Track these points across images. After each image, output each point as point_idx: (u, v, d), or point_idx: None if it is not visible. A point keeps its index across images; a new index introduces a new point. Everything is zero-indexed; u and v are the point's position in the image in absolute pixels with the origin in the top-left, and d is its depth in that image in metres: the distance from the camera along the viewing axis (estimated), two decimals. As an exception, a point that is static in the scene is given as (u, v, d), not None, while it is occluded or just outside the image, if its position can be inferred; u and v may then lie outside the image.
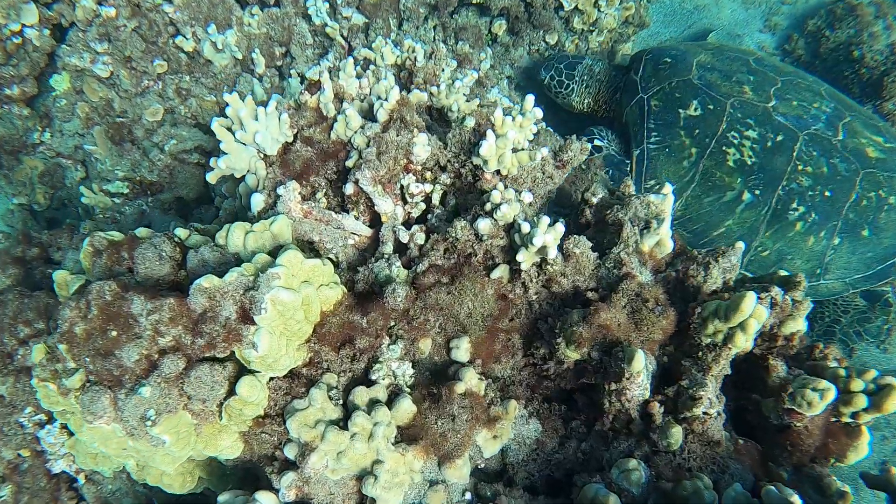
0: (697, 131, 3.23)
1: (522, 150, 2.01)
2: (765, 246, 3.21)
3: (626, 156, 3.58)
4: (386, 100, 2.01)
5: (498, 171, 2.04)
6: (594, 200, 2.31)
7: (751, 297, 1.65)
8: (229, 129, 2.17)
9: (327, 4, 3.42)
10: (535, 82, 4.06)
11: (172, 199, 3.17)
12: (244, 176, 2.23)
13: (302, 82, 3.32)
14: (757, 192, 3.12)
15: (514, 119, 1.98)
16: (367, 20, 3.68)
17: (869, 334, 3.50)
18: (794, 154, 3.10)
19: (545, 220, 1.79)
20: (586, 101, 3.91)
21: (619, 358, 1.69)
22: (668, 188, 1.96)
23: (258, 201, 2.08)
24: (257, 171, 2.19)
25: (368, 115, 2.25)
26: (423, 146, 1.99)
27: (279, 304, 1.59)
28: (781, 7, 4.85)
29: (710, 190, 3.21)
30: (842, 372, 1.85)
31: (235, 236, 1.82)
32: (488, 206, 1.86)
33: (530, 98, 2.05)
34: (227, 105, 2.14)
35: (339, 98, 2.24)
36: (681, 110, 3.30)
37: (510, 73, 4.27)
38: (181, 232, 1.95)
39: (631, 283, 1.81)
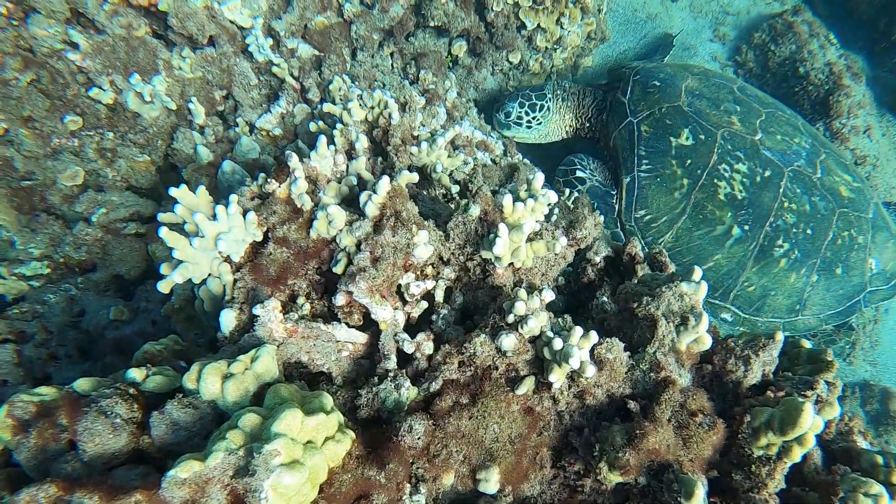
0: (689, 162, 3.13)
1: (538, 238, 1.77)
2: (751, 281, 3.16)
3: (611, 184, 3.44)
4: (374, 191, 1.69)
5: (511, 263, 1.79)
6: (597, 259, 2.13)
7: (808, 410, 1.50)
8: (181, 228, 1.79)
9: (270, 40, 3.00)
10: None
11: (109, 278, 2.69)
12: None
13: (251, 132, 2.90)
14: (746, 227, 3.07)
15: (525, 204, 1.73)
16: (316, 52, 3.29)
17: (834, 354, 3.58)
18: (781, 191, 3.06)
19: (577, 331, 1.56)
20: (567, 117, 3.71)
21: (674, 490, 1.51)
22: (698, 273, 1.78)
23: (229, 320, 1.72)
24: (221, 275, 1.82)
25: (348, 197, 1.93)
26: (424, 246, 1.70)
27: (282, 488, 1.28)
28: (727, 18, 4.85)
29: (701, 223, 3.13)
30: (879, 459, 1.78)
31: (209, 383, 1.47)
32: (511, 318, 1.61)
33: (540, 177, 1.80)
34: (176, 202, 1.76)
35: (312, 180, 1.90)
36: (672, 138, 3.18)
37: (475, 97, 4.01)
38: (136, 374, 1.57)
39: (673, 393, 1.63)
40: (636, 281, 1.94)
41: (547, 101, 3.61)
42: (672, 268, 2.17)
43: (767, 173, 3.10)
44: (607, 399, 1.71)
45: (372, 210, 1.70)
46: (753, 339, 1.75)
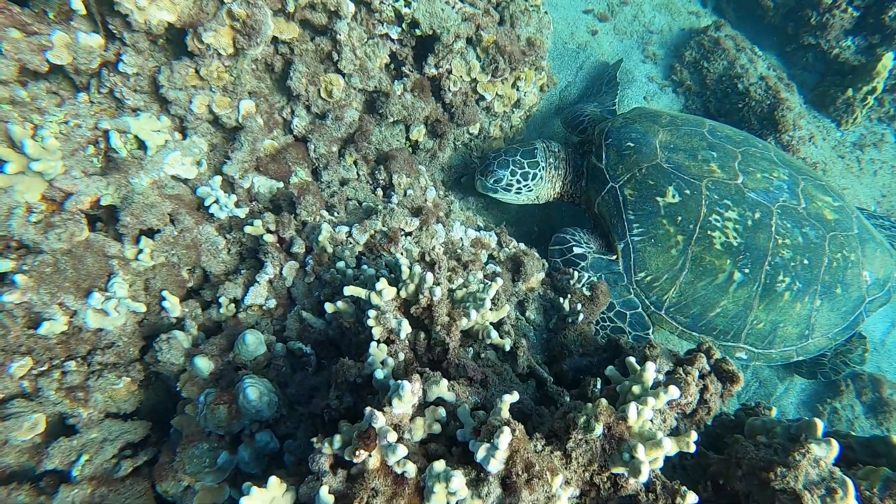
0: (680, 218, 3.12)
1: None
2: (759, 319, 3.24)
3: (605, 250, 3.37)
4: (492, 444, 1.45)
5: (638, 467, 1.63)
6: (661, 378, 2.03)
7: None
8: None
9: (234, 196, 2.59)
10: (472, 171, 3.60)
11: (111, 536, 2.21)
12: None
13: (237, 308, 2.49)
14: (746, 270, 3.11)
15: (647, 405, 1.57)
16: (276, 184, 2.90)
17: (852, 362, 3.78)
18: (773, 230, 3.13)
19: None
20: (557, 185, 3.60)
21: None
22: (819, 427, 1.72)
23: None
24: (319, 573, 1.51)
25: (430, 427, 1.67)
26: (564, 493, 1.49)
27: None
28: (651, 37, 4.92)
29: (703, 274, 3.14)
30: None
31: None
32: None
33: (650, 367, 1.65)
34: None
35: (395, 425, 1.62)
36: (658, 198, 3.16)
37: (442, 178, 3.77)
38: None
39: (843, 572, 1.56)
40: (746, 432, 1.86)
41: (540, 170, 3.48)
42: (741, 377, 2.11)
43: (757, 215, 3.15)
44: (773, 588, 1.62)
45: (496, 466, 1.46)
46: (888, 484, 1.72)
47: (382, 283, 2.05)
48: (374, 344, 1.95)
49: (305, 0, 2.68)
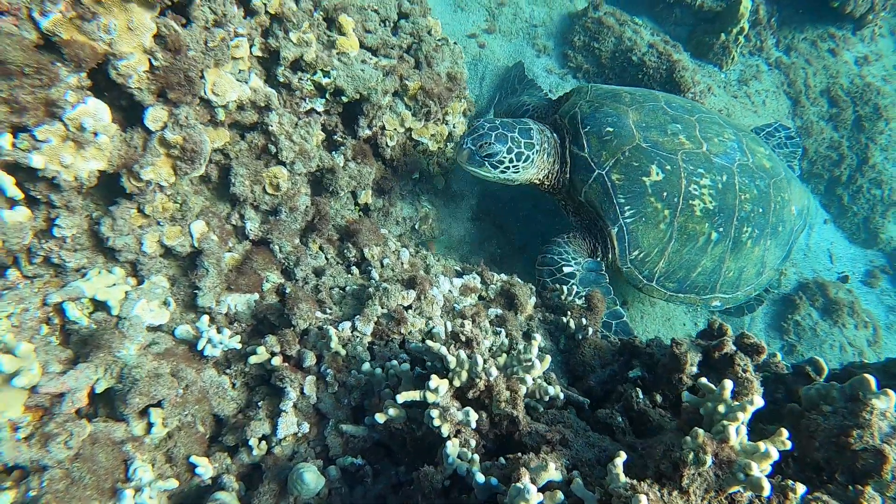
0: (665, 194, 3.28)
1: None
2: (730, 269, 3.52)
3: (589, 240, 3.47)
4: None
5: (744, 477, 1.72)
6: (694, 370, 2.18)
7: None
8: None
9: (227, 332, 2.39)
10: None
11: None
12: None
13: (269, 446, 2.31)
14: (721, 229, 3.37)
15: (740, 421, 1.66)
16: (252, 297, 2.72)
17: (769, 287, 4.20)
18: (737, 188, 3.38)
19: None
20: (542, 173, 3.49)
21: None
22: (872, 382, 1.89)
23: None
24: None
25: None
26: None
27: None
28: (536, 30, 5.07)
29: (687, 241, 3.35)
30: None
31: None
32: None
33: (728, 385, 1.73)
34: None
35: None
36: (644, 178, 3.29)
37: (400, 233, 3.69)
38: None
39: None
40: (804, 404, 2.02)
41: (533, 153, 3.33)
42: (765, 346, 2.28)
43: (724, 178, 3.38)
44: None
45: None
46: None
47: (435, 381, 1.98)
48: (449, 444, 1.89)
49: (235, 104, 2.50)
